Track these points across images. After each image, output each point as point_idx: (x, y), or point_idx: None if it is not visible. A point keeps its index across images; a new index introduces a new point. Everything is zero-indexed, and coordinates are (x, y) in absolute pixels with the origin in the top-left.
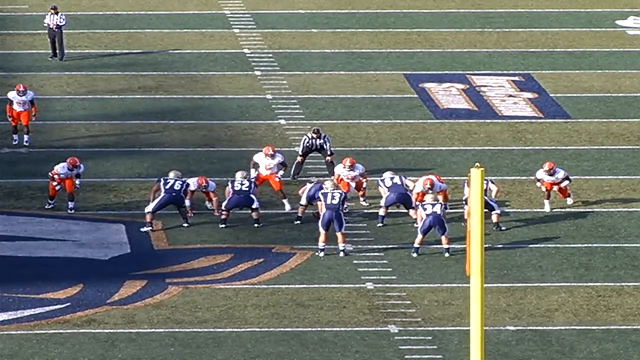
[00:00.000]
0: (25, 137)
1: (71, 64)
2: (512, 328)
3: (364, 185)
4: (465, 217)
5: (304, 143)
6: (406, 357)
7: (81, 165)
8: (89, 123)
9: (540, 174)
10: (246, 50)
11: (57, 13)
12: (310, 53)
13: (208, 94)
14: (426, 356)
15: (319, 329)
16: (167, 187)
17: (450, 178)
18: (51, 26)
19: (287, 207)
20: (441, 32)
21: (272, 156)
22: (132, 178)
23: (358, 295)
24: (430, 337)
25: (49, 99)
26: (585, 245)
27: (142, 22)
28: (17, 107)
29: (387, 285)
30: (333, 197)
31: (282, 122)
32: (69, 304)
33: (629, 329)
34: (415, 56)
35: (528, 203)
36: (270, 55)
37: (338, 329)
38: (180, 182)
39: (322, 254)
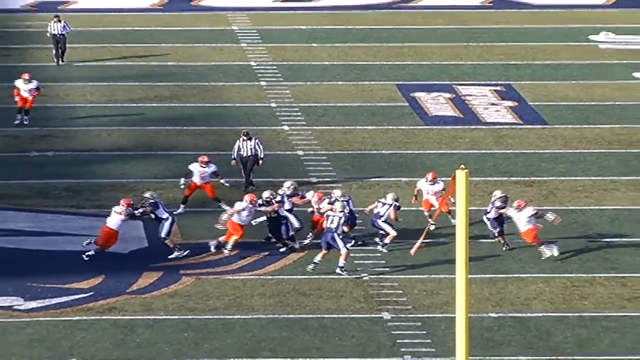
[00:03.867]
0: (26, 117)
1: (93, 75)
2: (494, 315)
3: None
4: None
5: (236, 147)
6: (398, 341)
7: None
8: (110, 129)
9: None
10: (252, 63)
11: (60, 21)
12: (310, 65)
13: (218, 102)
14: (416, 341)
15: (318, 315)
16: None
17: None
18: (55, 33)
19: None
20: (430, 46)
21: (207, 164)
22: (149, 179)
23: (354, 285)
24: (420, 323)
25: (73, 107)
26: (561, 239)
27: (158, 37)
28: (23, 94)
29: (381, 276)
30: (332, 221)
31: (285, 127)
32: (92, 293)
33: (600, 315)
34: (406, 68)
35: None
36: (275, 67)
37: (336, 315)
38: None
39: (310, 267)
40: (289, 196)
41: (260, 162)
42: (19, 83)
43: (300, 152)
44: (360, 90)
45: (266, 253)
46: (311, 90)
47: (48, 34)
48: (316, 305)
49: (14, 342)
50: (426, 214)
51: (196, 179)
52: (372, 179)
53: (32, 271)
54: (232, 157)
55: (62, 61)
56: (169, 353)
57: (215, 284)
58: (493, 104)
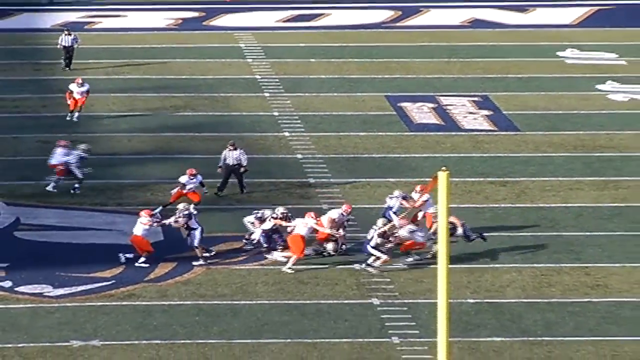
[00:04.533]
0: (76, 114)
1: (114, 87)
2: (471, 301)
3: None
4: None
5: (221, 156)
6: (386, 324)
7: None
8: (130, 135)
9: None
10: (257, 76)
11: (70, 34)
12: (309, 78)
13: (226, 111)
14: (402, 324)
15: (315, 301)
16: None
17: (422, 179)
18: (65, 45)
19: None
20: (415, 61)
21: (194, 176)
22: (166, 179)
23: (348, 274)
24: (405, 308)
25: (98, 116)
26: (531, 234)
27: (174, 53)
28: (75, 95)
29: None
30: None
31: (287, 134)
32: (113, 281)
33: (567, 301)
34: (394, 81)
35: (485, 200)
36: (277, 80)
37: (331, 301)
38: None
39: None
40: (275, 218)
41: (243, 169)
42: (72, 86)
43: (299, 156)
44: (353, 100)
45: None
46: (310, 101)
47: (59, 46)
48: (313, 292)
49: (44, 325)
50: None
51: (185, 189)
52: (364, 180)
53: (60, 262)
54: (219, 165)
55: (70, 68)
56: (182, 335)
57: (223, 273)
58: (471, 113)
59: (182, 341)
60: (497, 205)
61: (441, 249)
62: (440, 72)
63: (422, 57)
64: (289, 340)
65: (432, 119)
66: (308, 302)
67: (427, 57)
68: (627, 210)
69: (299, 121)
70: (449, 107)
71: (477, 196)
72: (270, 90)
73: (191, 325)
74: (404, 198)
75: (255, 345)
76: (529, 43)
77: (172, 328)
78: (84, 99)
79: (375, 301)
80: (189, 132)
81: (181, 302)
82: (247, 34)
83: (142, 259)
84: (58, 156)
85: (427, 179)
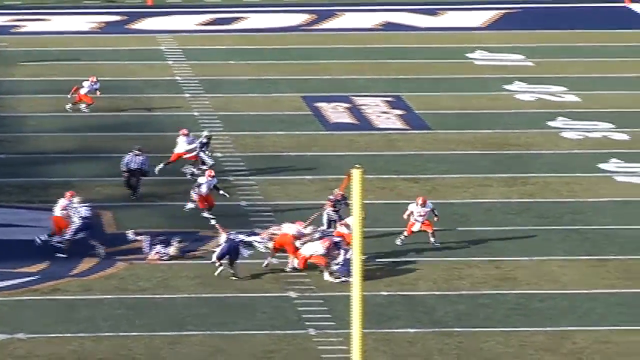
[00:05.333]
0: (84, 105)
1: (40, 88)
2: (385, 293)
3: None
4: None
5: (125, 160)
6: (303, 316)
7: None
8: (56, 135)
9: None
10: (178, 78)
11: None
12: (228, 79)
13: (149, 112)
14: (319, 315)
15: (235, 294)
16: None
17: (338, 177)
18: None
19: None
20: (330, 62)
21: (213, 177)
22: (90, 178)
23: (267, 268)
24: (322, 301)
25: (24, 116)
26: (443, 229)
27: (98, 55)
28: (82, 91)
29: (289, 260)
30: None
31: (206, 134)
32: (38, 276)
33: (477, 293)
34: (310, 82)
35: (398, 196)
36: (197, 81)
37: (250, 294)
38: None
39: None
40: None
41: (146, 175)
42: (85, 83)
43: (219, 154)
44: (271, 101)
45: (189, 241)
46: (229, 101)
47: None
48: (234, 286)
49: None
50: (403, 235)
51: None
52: (281, 177)
53: None
54: (122, 169)
55: None
56: (105, 328)
57: (145, 267)
58: (384, 113)
59: (106, 334)
60: (409, 202)
61: (355, 243)
62: (355, 74)
63: (337, 58)
64: (209, 332)
65: (347, 118)
66: (228, 295)
67: (342, 58)
68: (534, 206)
69: (218, 121)
70: (363, 107)
71: (390, 193)
72: (191, 91)
73: (114, 319)
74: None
75: (176, 337)
76: (440, 45)
77: (96, 321)
78: (90, 97)
79: (293, 294)
80: (113, 132)
81: (105, 296)
82: (168, 36)
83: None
84: (183, 145)
85: (342, 176)
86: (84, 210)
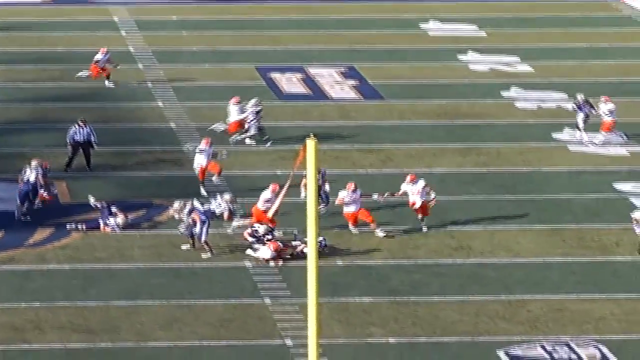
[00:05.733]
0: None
1: None
2: (340, 263)
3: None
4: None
5: (70, 133)
6: (259, 285)
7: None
8: (8, 105)
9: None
10: (131, 48)
11: None
12: (182, 50)
13: (102, 82)
14: (274, 285)
15: (190, 264)
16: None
17: (292, 146)
18: None
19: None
20: (284, 33)
21: (209, 145)
22: (43, 148)
23: (221, 238)
24: (277, 271)
25: None
26: (399, 198)
27: (50, 26)
28: (101, 65)
29: (244, 230)
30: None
31: (160, 104)
32: None
33: (432, 263)
34: (264, 52)
35: (352, 166)
36: (150, 52)
37: (205, 264)
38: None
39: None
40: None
41: (95, 147)
42: (97, 56)
43: (173, 125)
44: (225, 71)
45: (144, 211)
46: (182, 72)
47: None
48: (188, 256)
49: None
50: (419, 216)
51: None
52: (236, 147)
53: None
54: (68, 142)
55: None
56: (60, 297)
57: (100, 237)
58: (338, 83)
59: (61, 303)
60: (364, 172)
61: (310, 213)
62: (309, 44)
63: (291, 29)
64: (164, 301)
65: (301, 88)
66: (183, 265)
67: (296, 29)
68: (488, 176)
69: (171, 91)
70: (316, 77)
71: (344, 162)
72: (144, 62)
73: (69, 288)
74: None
75: (132, 307)
76: (393, 15)
77: (51, 291)
78: (104, 69)
79: (248, 264)
80: (66, 102)
81: (59, 266)
82: (121, 8)
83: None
84: (235, 113)
85: (296, 146)
86: (32, 176)
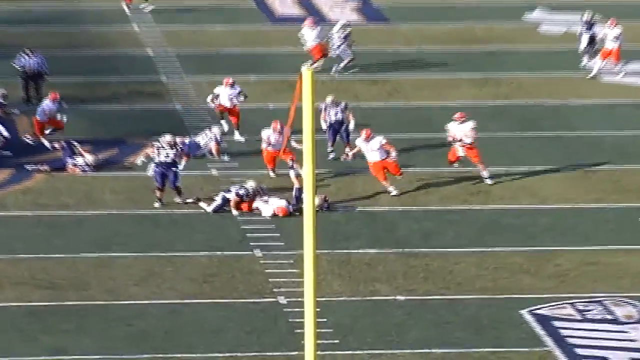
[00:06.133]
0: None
1: None
2: (341, 209)
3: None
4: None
5: (21, 62)
6: (247, 235)
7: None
8: None
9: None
10: None
11: None
12: None
13: (70, 2)
14: (266, 235)
15: (169, 211)
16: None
17: (285, 76)
18: None
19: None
20: None
21: (232, 86)
22: (6, 76)
23: (204, 181)
24: (269, 219)
25: None
26: (406, 135)
27: None
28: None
29: (230, 172)
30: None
31: (136, 27)
32: None
33: (445, 209)
34: None
35: (355, 99)
36: None
37: (186, 211)
38: None
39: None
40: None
41: (45, 78)
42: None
43: (150, 51)
44: None
45: (116, 149)
46: None
47: None
48: (167, 201)
49: None
50: (455, 165)
51: (225, 102)
52: (220, 77)
53: None
54: (18, 70)
55: None
56: (21, 249)
57: (66, 180)
58: (337, 4)
59: (22, 255)
60: (367, 105)
61: (306, 152)
62: None
63: None
64: (140, 253)
65: (296, 10)
66: (161, 212)
67: None
68: (508, 110)
69: (149, 14)
70: None
71: (345, 95)
72: None
73: (31, 239)
74: None
75: (103, 259)
76: None
77: (10, 242)
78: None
79: (235, 211)
80: (33, 25)
81: (20, 213)
82: None
83: None
84: (310, 35)
85: (289, 76)
86: None
